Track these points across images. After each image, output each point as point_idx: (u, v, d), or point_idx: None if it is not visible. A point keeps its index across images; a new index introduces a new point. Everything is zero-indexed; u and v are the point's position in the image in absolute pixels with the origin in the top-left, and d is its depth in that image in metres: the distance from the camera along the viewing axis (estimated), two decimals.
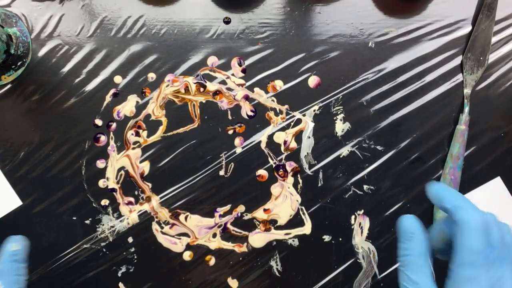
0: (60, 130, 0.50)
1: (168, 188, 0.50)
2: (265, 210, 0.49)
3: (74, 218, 0.50)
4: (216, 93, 0.50)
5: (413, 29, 0.50)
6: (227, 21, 0.51)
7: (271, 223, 0.49)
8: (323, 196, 0.49)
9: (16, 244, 0.37)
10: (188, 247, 0.49)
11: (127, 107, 0.50)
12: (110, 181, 0.50)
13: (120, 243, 0.49)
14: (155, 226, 0.49)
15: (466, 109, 0.48)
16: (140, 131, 0.50)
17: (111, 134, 0.50)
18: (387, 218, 0.49)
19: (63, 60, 0.50)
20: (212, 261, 0.49)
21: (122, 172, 0.50)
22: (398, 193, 0.49)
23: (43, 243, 0.49)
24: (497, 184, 0.49)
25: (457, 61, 0.50)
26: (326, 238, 0.49)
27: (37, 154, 0.50)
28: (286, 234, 0.49)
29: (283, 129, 0.50)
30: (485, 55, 0.49)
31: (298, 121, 0.50)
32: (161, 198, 0.50)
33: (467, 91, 0.49)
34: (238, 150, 0.50)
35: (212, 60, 0.50)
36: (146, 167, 0.50)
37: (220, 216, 0.49)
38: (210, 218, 0.49)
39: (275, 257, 0.49)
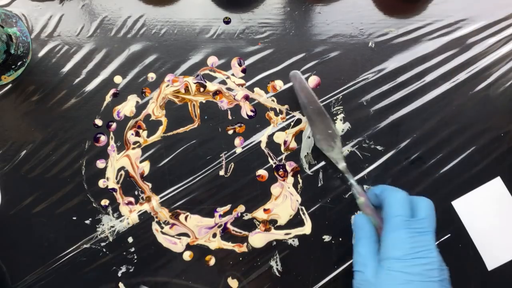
0: (60, 130, 0.50)
1: (168, 188, 0.50)
2: (265, 210, 0.49)
3: (74, 218, 0.50)
4: (216, 93, 0.50)
5: (413, 29, 0.50)
6: (227, 21, 0.51)
7: (271, 223, 0.49)
8: (323, 196, 0.49)
9: None
10: (188, 247, 0.49)
11: (127, 107, 0.50)
12: (110, 181, 0.50)
13: (120, 243, 0.49)
14: (155, 226, 0.49)
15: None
16: (140, 131, 0.50)
17: (111, 134, 0.50)
18: None
19: (63, 60, 0.50)
20: (212, 261, 0.49)
21: (122, 172, 0.50)
22: None
23: (43, 243, 0.49)
24: (497, 184, 0.49)
25: (457, 61, 0.50)
26: (326, 238, 0.49)
27: (37, 154, 0.50)
28: (286, 234, 0.49)
29: (283, 129, 0.50)
30: (330, 127, 0.47)
31: (298, 121, 0.50)
32: (161, 198, 0.50)
33: (342, 165, 0.47)
34: (238, 150, 0.50)
35: (212, 60, 0.50)
36: (146, 167, 0.50)
37: (220, 216, 0.49)
38: (210, 218, 0.49)
39: (275, 257, 0.49)
